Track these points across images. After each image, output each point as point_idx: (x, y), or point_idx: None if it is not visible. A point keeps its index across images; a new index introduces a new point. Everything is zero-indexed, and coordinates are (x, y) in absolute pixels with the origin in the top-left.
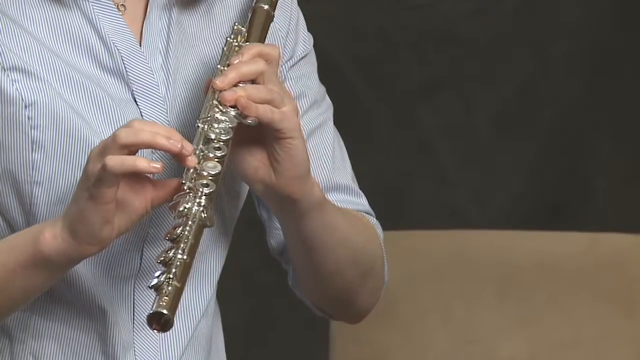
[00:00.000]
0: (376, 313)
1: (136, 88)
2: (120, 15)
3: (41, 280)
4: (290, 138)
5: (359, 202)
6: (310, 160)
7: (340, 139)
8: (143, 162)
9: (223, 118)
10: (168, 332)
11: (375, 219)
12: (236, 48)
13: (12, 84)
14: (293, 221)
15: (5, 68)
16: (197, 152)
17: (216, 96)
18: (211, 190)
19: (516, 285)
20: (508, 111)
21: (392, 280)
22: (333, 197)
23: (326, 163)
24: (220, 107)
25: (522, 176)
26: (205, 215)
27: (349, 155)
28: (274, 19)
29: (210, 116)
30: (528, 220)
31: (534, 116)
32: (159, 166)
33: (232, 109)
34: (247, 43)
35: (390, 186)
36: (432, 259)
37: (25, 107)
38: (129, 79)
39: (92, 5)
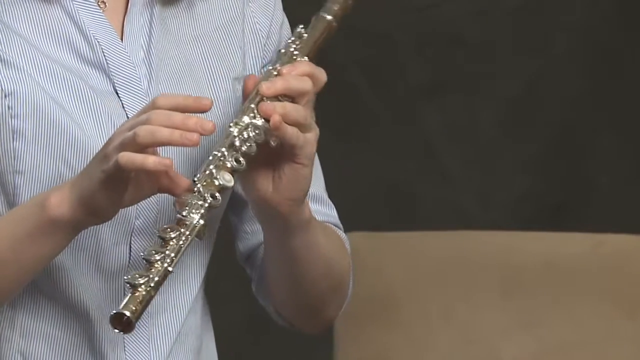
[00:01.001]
0: (379, 313)
1: (117, 80)
2: (101, 11)
3: (49, 248)
4: (302, 164)
5: (330, 213)
6: None
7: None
8: (151, 161)
9: (254, 129)
10: (155, 328)
11: (344, 233)
12: (292, 54)
13: None
14: (278, 235)
15: None
16: (219, 153)
17: (257, 100)
18: (217, 203)
19: (519, 286)
20: (511, 111)
21: (395, 280)
22: None
23: None
24: (255, 113)
25: (526, 176)
26: (203, 229)
27: (354, 156)
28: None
29: (244, 123)
30: (532, 221)
31: (537, 116)
32: (167, 163)
33: (262, 120)
34: (305, 59)
35: (393, 187)
36: (435, 259)
37: (5, 96)
38: (110, 71)
39: (73, 1)
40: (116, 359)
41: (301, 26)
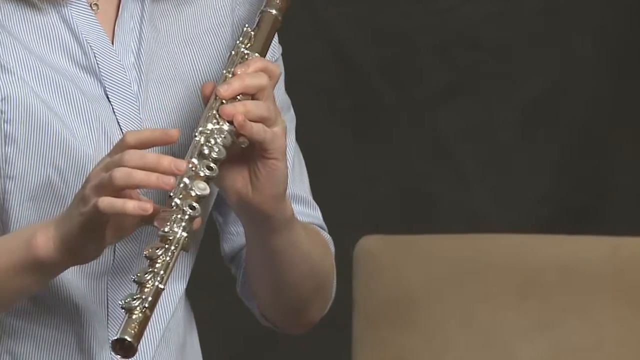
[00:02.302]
0: (397, 316)
1: (108, 85)
2: (94, 14)
3: (33, 282)
4: (275, 159)
5: (314, 215)
6: None
7: (300, 152)
8: (131, 206)
9: (220, 134)
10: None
11: (328, 235)
12: (243, 54)
13: None
14: (261, 235)
15: None
16: (190, 165)
17: (217, 105)
18: (196, 214)
19: (537, 289)
20: (529, 113)
21: (413, 283)
22: None
23: None
24: (217, 117)
25: (544, 179)
26: (187, 240)
27: (372, 158)
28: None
29: (209, 130)
30: (550, 224)
31: (556, 118)
32: (147, 207)
33: (228, 123)
34: (256, 54)
35: (411, 189)
36: (453, 262)
37: None
38: (102, 76)
39: (67, 4)
40: (104, 358)
41: (247, 25)
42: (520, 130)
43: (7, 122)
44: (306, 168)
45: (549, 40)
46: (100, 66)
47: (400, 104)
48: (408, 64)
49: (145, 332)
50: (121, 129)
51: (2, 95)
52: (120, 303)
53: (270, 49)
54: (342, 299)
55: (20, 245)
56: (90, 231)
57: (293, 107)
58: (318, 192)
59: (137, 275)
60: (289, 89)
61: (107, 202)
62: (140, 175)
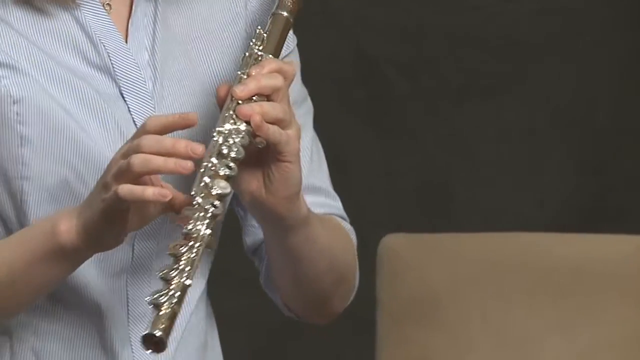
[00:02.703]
0: (421, 315)
1: (123, 84)
2: (107, 13)
3: (57, 271)
4: (288, 162)
5: (334, 205)
6: None
7: (319, 142)
8: (150, 192)
9: (237, 134)
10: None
11: (349, 225)
12: (257, 55)
13: (0, 81)
14: (276, 234)
15: None
16: (209, 164)
17: (233, 106)
18: (218, 211)
19: (560, 288)
20: (554, 112)
21: (436, 282)
22: (309, 199)
23: (303, 165)
24: (234, 118)
25: (566, 178)
26: (211, 237)
27: (394, 156)
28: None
29: (227, 130)
30: (573, 223)
31: (581, 117)
32: (167, 194)
33: (245, 124)
34: (269, 56)
35: (433, 188)
36: (476, 261)
37: (14, 103)
38: (116, 75)
39: (80, 4)
40: (125, 356)
41: (259, 27)
42: (545, 129)
43: (22, 124)
44: (327, 163)
45: (572, 40)
46: (114, 65)
47: (425, 102)
48: (433, 61)
49: None
50: (137, 127)
51: (16, 97)
52: (147, 299)
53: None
54: (365, 294)
55: (43, 233)
56: (112, 218)
57: (312, 102)
58: (339, 188)
59: (162, 272)
60: (306, 83)
61: (126, 189)
62: (158, 161)
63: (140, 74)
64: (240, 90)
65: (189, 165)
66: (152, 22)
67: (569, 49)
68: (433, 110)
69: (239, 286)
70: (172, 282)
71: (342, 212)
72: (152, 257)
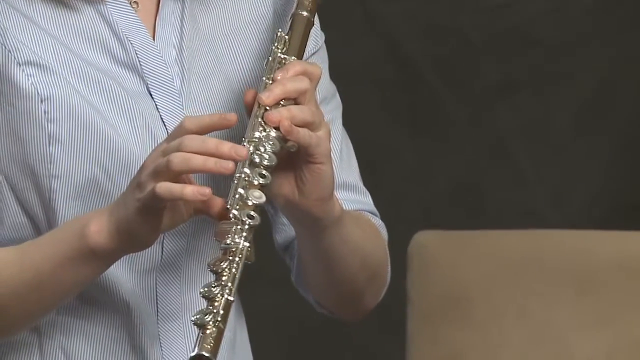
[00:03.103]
0: (452, 312)
1: (151, 81)
2: (134, 11)
3: (89, 272)
4: (320, 163)
5: (365, 201)
6: None
7: (348, 138)
8: (190, 191)
9: (267, 141)
10: (189, 324)
11: (379, 220)
12: (280, 59)
13: (28, 79)
14: (310, 235)
15: (21, 63)
16: (242, 175)
17: (261, 112)
18: (255, 222)
19: (593, 285)
20: (585, 110)
21: (468, 279)
22: (339, 196)
23: (333, 160)
24: (263, 125)
25: (601, 175)
26: (250, 250)
27: (427, 155)
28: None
29: (257, 138)
30: (606, 221)
31: (611, 115)
32: (206, 192)
33: (274, 130)
34: (293, 58)
35: (466, 186)
36: (508, 258)
37: (41, 101)
38: (144, 72)
39: (106, 2)
40: (155, 354)
41: (279, 30)
42: (576, 127)
43: (50, 122)
44: (360, 163)
45: (603, 36)
46: (141, 62)
47: (457, 101)
48: (464, 61)
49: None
50: (165, 125)
51: (45, 96)
52: (193, 320)
53: (312, 37)
54: (396, 291)
55: (73, 235)
56: (147, 217)
57: (348, 102)
58: (371, 188)
59: (204, 290)
60: (343, 84)
61: (165, 187)
62: (198, 160)
63: (168, 71)
64: (266, 97)
65: (230, 165)
66: (179, 19)
67: (599, 46)
68: (466, 110)
69: (269, 283)
70: (216, 300)
71: (372, 207)
72: (181, 256)
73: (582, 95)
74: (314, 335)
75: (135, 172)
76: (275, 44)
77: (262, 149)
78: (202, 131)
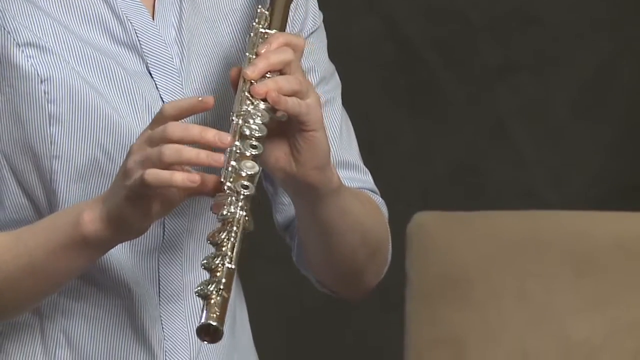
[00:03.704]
0: (451, 293)
1: (150, 60)
2: None
3: (82, 260)
4: (313, 130)
5: (365, 179)
6: None
7: (347, 117)
8: (180, 178)
9: (256, 112)
10: (190, 306)
11: (380, 198)
12: (262, 34)
13: (27, 60)
14: (309, 206)
15: (20, 44)
16: (233, 148)
17: (247, 87)
18: (251, 192)
19: (593, 266)
20: (584, 92)
21: (467, 260)
22: (340, 174)
23: (333, 140)
24: (251, 99)
25: (600, 156)
26: (248, 219)
27: (427, 136)
28: None
29: (245, 111)
30: (606, 201)
31: (611, 97)
32: (196, 179)
33: (262, 102)
34: (274, 31)
35: (465, 167)
36: (507, 239)
37: (41, 82)
38: (143, 51)
39: None
40: (156, 336)
41: (259, 7)
42: (575, 108)
43: (51, 103)
44: (359, 143)
45: (604, 19)
46: (141, 42)
47: (457, 82)
48: (464, 42)
49: (195, 309)
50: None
51: (45, 76)
52: (196, 291)
53: (311, 17)
54: (395, 272)
55: (67, 223)
56: (136, 204)
57: (348, 82)
58: (371, 168)
59: (205, 262)
60: (343, 64)
61: (153, 174)
62: (190, 153)
63: (168, 50)
64: (251, 72)
65: (221, 159)
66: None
67: (601, 29)
68: (466, 91)
69: (269, 262)
70: (217, 270)
71: (373, 186)
72: (183, 236)
73: (582, 76)
74: (314, 315)
75: None
76: (257, 20)
77: (251, 121)
78: (181, 115)
